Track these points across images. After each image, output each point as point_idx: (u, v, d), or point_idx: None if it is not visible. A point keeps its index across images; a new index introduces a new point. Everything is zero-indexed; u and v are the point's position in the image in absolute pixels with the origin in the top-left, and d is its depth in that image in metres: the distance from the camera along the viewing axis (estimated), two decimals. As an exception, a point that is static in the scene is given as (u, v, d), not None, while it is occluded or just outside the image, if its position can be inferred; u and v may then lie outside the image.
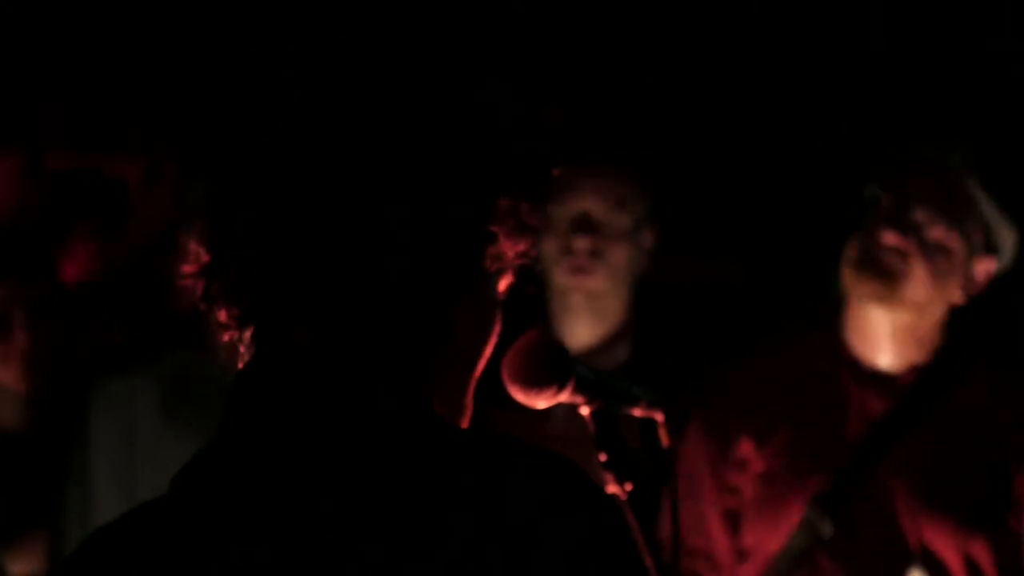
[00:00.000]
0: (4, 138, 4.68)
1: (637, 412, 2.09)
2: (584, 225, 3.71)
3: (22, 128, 4.74)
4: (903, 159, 3.51)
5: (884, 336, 3.48)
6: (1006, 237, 3.48)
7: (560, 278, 3.74)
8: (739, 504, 3.46)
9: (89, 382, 3.65)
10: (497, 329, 1.74)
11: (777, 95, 4.66)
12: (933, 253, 3.42)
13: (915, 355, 3.48)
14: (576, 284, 3.73)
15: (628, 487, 2.04)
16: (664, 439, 2.12)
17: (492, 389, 1.86)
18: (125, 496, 3.47)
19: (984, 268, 3.47)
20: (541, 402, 1.93)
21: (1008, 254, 3.49)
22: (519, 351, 1.91)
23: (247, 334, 1.67)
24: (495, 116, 1.67)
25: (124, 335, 3.95)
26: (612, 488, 2.04)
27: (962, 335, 3.55)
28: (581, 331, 3.77)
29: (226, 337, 1.69)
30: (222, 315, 1.68)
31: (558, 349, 1.94)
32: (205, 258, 1.66)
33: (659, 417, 2.10)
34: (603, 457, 2.04)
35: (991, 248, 3.47)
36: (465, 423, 1.73)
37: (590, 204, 3.72)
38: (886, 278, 3.40)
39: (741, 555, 3.45)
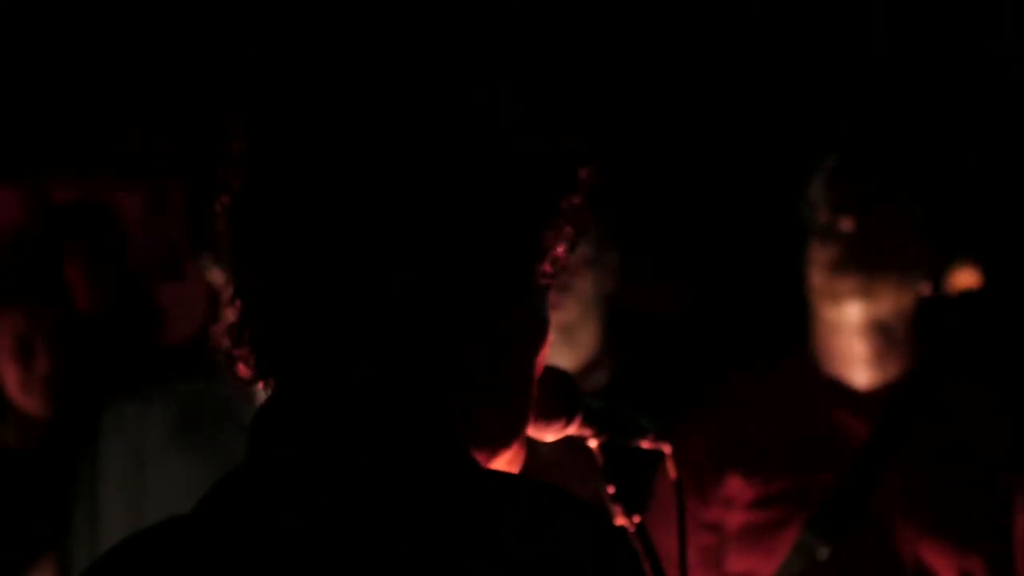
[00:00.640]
0: (8, 168, 4.69)
1: (645, 444, 2.08)
2: None
3: (26, 158, 4.74)
4: (834, 165, 3.48)
5: (857, 351, 3.44)
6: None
7: None
8: (717, 540, 3.43)
9: (99, 405, 3.66)
10: (546, 345, 1.75)
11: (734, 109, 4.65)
12: (895, 227, 3.40)
13: (892, 370, 3.45)
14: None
15: (636, 519, 2.04)
16: (672, 471, 2.11)
17: None
18: (133, 519, 3.46)
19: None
20: (549, 435, 1.93)
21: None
22: None
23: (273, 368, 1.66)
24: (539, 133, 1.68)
25: (133, 360, 3.95)
26: (620, 520, 2.04)
27: (939, 346, 3.51)
28: (557, 362, 3.74)
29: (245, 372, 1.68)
30: (246, 361, 1.67)
31: (566, 381, 1.93)
32: (238, 304, 1.66)
33: (667, 449, 2.10)
34: (611, 490, 2.03)
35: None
36: (521, 441, 1.74)
37: None
38: (864, 271, 3.38)
39: None
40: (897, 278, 3.40)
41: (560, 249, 1.71)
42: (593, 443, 2.03)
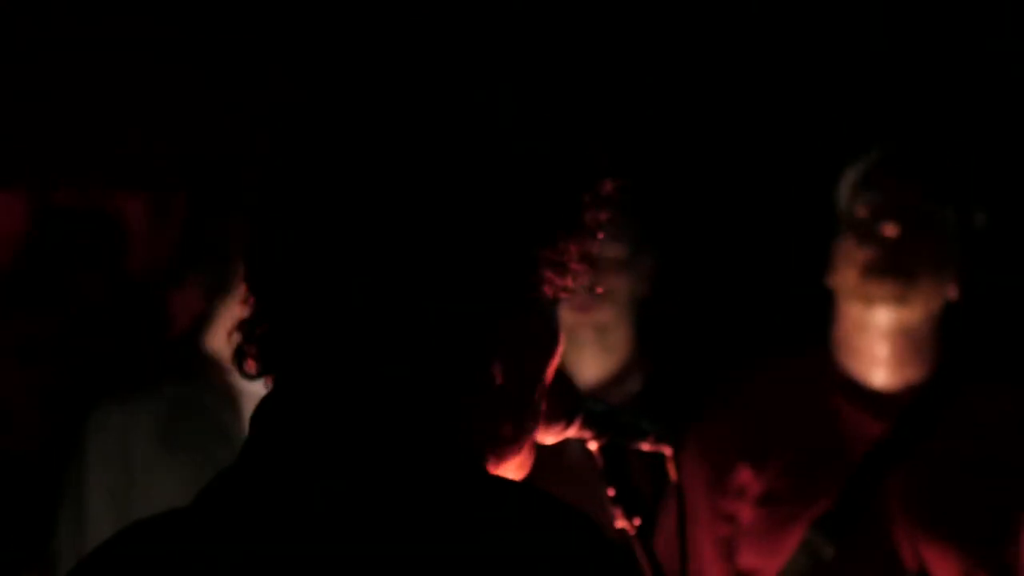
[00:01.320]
0: (10, 173, 4.69)
1: (646, 447, 2.08)
2: None
3: (28, 163, 4.74)
4: (873, 161, 3.48)
5: (880, 353, 3.44)
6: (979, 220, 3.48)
7: (565, 316, 3.72)
8: (733, 532, 3.43)
9: (87, 411, 3.66)
10: (557, 352, 1.75)
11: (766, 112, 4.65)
12: (931, 233, 3.39)
13: (912, 373, 3.45)
14: (581, 321, 3.72)
15: (637, 522, 2.04)
16: (672, 473, 2.12)
17: None
18: (120, 524, 3.46)
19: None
20: (549, 437, 1.93)
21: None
22: None
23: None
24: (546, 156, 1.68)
25: (123, 366, 3.96)
26: (620, 523, 2.04)
27: (960, 352, 3.51)
28: (591, 365, 3.77)
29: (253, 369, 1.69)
30: (253, 357, 1.68)
31: (567, 383, 1.93)
32: (251, 301, 1.67)
33: (667, 451, 2.10)
34: (611, 492, 2.04)
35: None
36: (529, 446, 1.74)
37: None
38: (902, 277, 3.37)
39: None
40: (931, 284, 3.39)
41: (581, 258, 1.71)
42: (593, 445, 2.03)
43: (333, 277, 1.61)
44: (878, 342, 3.43)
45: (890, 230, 3.36)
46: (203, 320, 3.58)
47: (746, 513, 3.42)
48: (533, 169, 1.66)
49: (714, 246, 4.58)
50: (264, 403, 1.66)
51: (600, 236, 1.73)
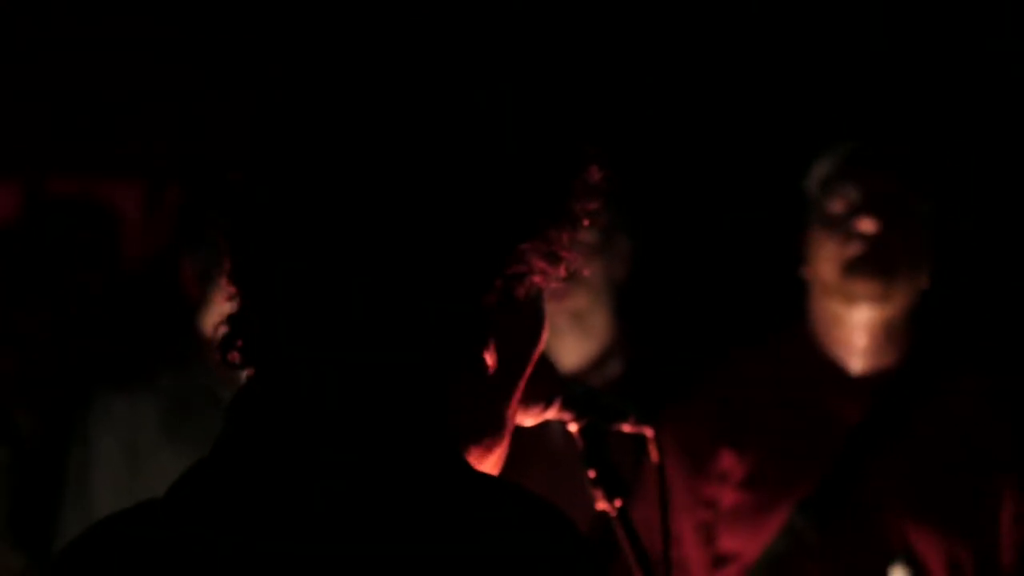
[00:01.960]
0: (3, 164, 4.69)
1: (626, 428, 2.08)
2: None
3: (23, 153, 4.75)
4: (845, 153, 3.45)
5: (859, 343, 3.44)
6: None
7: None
8: (713, 516, 3.43)
9: (89, 398, 3.66)
10: (543, 340, 1.75)
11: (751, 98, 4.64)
12: (909, 225, 3.38)
13: (888, 357, 3.45)
14: (557, 308, 3.71)
15: (618, 503, 2.03)
16: (654, 454, 2.11)
17: None
18: (124, 510, 3.47)
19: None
20: (528, 419, 1.92)
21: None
22: None
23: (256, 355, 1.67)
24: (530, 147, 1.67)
25: (123, 353, 3.96)
26: (601, 504, 2.04)
27: (934, 335, 3.52)
28: (570, 351, 3.75)
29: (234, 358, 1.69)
30: (237, 349, 1.67)
31: (545, 365, 1.93)
32: (238, 298, 1.66)
33: (648, 432, 2.09)
34: (592, 474, 2.03)
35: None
36: (509, 431, 1.74)
37: None
38: (884, 276, 3.36)
39: (718, 561, 3.42)
40: (909, 277, 3.39)
41: (571, 246, 1.70)
42: (573, 427, 2.03)
43: (317, 270, 1.60)
44: (857, 334, 3.44)
45: (869, 225, 3.34)
46: (198, 305, 3.58)
47: (728, 497, 3.42)
48: (521, 158, 1.66)
49: (690, 229, 4.56)
50: (240, 394, 1.66)
51: (587, 224, 1.72)
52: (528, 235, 1.65)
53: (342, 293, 1.60)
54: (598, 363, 3.75)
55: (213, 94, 4.42)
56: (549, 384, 1.93)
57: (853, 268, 3.34)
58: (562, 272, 1.71)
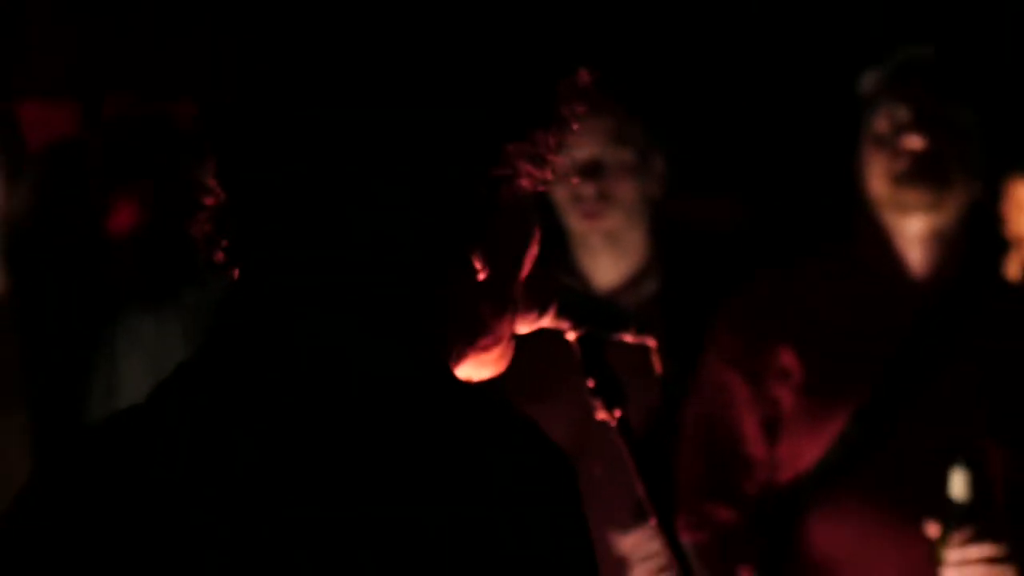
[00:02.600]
0: (63, 83, 4.71)
1: (628, 338, 2.05)
2: (587, 169, 3.66)
3: (82, 73, 4.76)
4: (890, 69, 3.47)
5: (913, 248, 3.47)
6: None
7: (575, 223, 3.72)
8: (777, 415, 3.45)
9: (114, 317, 3.69)
10: (535, 244, 1.74)
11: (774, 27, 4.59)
12: (956, 138, 3.43)
13: (943, 266, 3.47)
14: (591, 228, 3.70)
15: (617, 413, 2.01)
16: (657, 366, 2.08)
17: None
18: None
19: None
20: (523, 327, 1.90)
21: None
22: None
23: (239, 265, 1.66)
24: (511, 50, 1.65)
25: (144, 272, 3.97)
26: (601, 415, 2.01)
27: (988, 243, 3.58)
28: (605, 270, 3.75)
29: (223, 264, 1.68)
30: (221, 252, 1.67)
31: (540, 272, 1.90)
32: (221, 195, 1.66)
33: (651, 343, 2.06)
34: (591, 383, 2.01)
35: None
36: (506, 337, 1.73)
37: (589, 147, 3.68)
38: (935, 185, 3.40)
39: (778, 464, 3.44)
40: (959, 187, 3.43)
41: (558, 149, 1.68)
42: (571, 336, 2.00)
43: (300, 167, 1.60)
44: (911, 243, 3.47)
45: (916, 142, 3.40)
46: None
47: (788, 398, 3.44)
48: (506, 57, 1.63)
49: (729, 146, 4.53)
50: (228, 295, 1.65)
51: (576, 127, 1.69)
52: (514, 136, 1.63)
53: (325, 190, 1.59)
54: (633, 282, 3.73)
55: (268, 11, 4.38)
56: (544, 291, 1.91)
57: (903, 179, 3.40)
58: (548, 175, 1.68)
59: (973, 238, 3.50)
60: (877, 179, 3.45)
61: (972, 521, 3.19)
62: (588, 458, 3.13)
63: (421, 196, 1.60)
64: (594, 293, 3.63)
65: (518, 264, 1.72)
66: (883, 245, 3.48)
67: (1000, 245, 3.64)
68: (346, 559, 1.48)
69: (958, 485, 3.16)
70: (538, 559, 1.51)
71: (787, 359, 3.44)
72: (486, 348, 1.71)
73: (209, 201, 1.66)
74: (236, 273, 1.67)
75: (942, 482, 3.17)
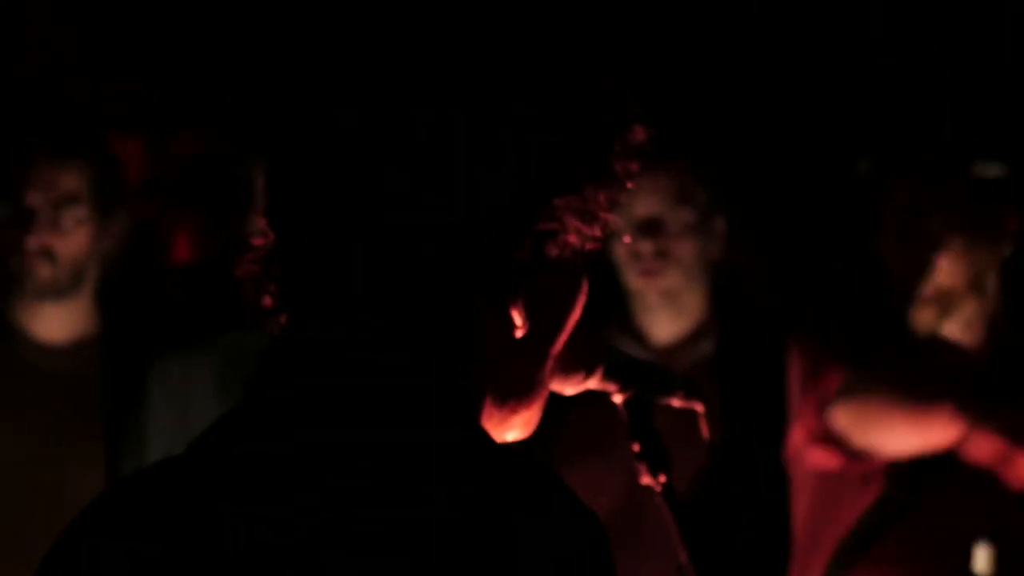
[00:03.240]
0: (130, 120, 4.73)
1: (675, 402, 2.02)
2: (647, 227, 3.66)
3: (148, 110, 4.79)
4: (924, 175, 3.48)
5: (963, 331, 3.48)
6: None
7: (633, 280, 3.71)
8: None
9: (148, 360, 3.68)
10: (580, 304, 1.69)
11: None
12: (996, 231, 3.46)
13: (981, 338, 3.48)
14: (648, 286, 3.69)
15: (662, 478, 1.98)
16: (704, 431, 2.05)
17: None
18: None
19: None
20: (569, 388, 1.88)
21: None
22: None
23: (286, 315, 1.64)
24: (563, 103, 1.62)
25: (177, 315, 3.98)
26: (646, 479, 1.98)
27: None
28: (661, 329, 3.74)
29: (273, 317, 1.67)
30: (269, 296, 1.65)
31: (588, 334, 1.87)
32: (270, 237, 1.64)
33: (699, 408, 2.04)
34: (636, 448, 1.98)
35: None
36: (541, 397, 1.70)
37: (651, 205, 3.67)
38: (976, 281, 3.45)
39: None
40: (997, 269, 3.46)
41: (609, 207, 1.65)
42: (618, 399, 1.98)
43: (352, 217, 1.57)
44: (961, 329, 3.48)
45: (962, 243, 3.45)
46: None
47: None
48: (561, 108, 1.61)
49: (786, 209, 4.52)
50: (273, 345, 1.63)
51: (629, 186, 1.67)
52: (563, 190, 1.60)
53: (375, 243, 1.56)
54: (690, 341, 3.73)
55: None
56: (591, 353, 1.88)
57: (950, 282, 3.43)
58: (597, 233, 1.65)
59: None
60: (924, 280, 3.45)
61: None
62: (637, 521, 3.11)
63: (468, 246, 1.57)
64: (644, 355, 3.61)
65: (560, 324, 1.68)
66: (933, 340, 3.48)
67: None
68: None
69: (982, 560, 3.12)
70: None
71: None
72: (514, 410, 1.67)
73: (258, 242, 1.65)
74: (283, 319, 1.65)
75: (967, 557, 3.14)
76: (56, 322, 3.72)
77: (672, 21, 4.61)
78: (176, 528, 1.53)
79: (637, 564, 3.41)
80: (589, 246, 1.66)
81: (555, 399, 1.94)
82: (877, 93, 4.53)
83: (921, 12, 4.55)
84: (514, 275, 1.59)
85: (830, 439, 3.35)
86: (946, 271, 3.41)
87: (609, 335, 3.65)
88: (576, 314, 1.70)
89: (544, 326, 1.65)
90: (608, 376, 1.92)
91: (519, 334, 1.62)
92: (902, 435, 3.30)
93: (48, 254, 3.66)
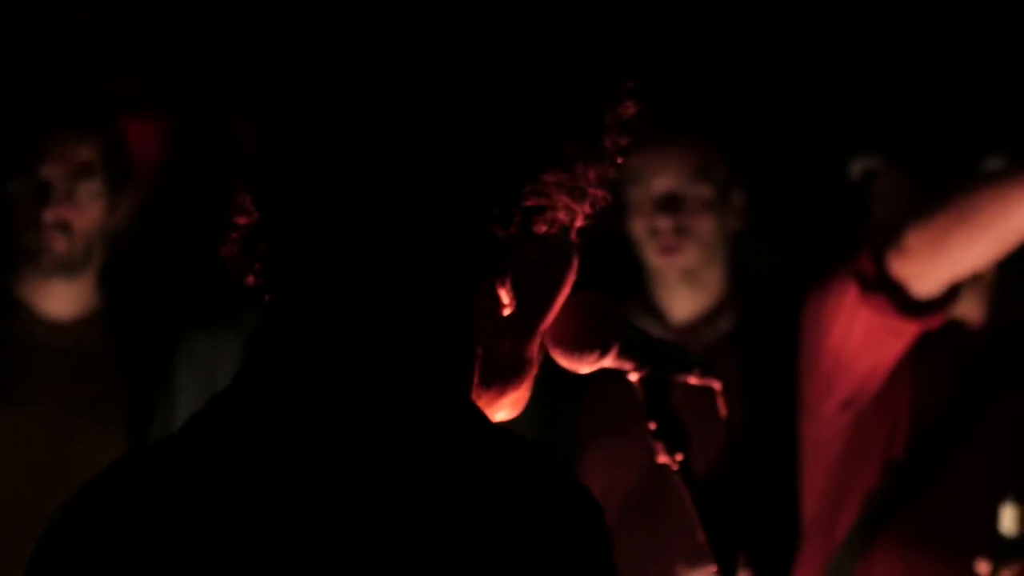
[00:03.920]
0: (143, 101, 4.72)
1: (692, 380, 2.00)
2: (666, 203, 3.64)
3: (162, 91, 4.77)
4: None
5: (974, 304, 3.48)
6: None
7: (652, 258, 3.69)
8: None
9: (174, 337, 3.68)
10: (569, 280, 1.68)
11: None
12: None
13: (990, 304, 3.47)
14: (667, 263, 3.67)
15: (679, 457, 1.96)
16: (722, 409, 2.03)
17: None
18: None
19: None
20: (584, 366, 1.86)
21: None
22: (561, 312, 1.83)
23: (275, 295, 1.63)
24: (551, 77, 1.60)
25: (204, 294, 3.97)
26: (663, 458, 1.96)
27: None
28: (680, 306, 3.72)
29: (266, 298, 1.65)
30: (252, 274, 1.63)
31: (603, 312, 1.85)
32: (255, 215, 1.62)
33: (716, 386, 2.01)
34: (653, 426, 1.96)
35: None
36: (531, 373, 1.67)
37: (669, 180, 3.65)
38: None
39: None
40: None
41: (599, 183, 1.63)
42: (634, 377, 1.95)
43: (338, 195, 1.56)
44: (972, 301, 3.46)
45: None
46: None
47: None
48: (549, 83, 1.59)
49: (803, 181, 4.49)
50: (262, 325, 1.62)
51: (619, 162, 1.64)
52: (552, 165, 1.58)
53: (362, 220, 1.55)
54: (709, 319, 3.71)
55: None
56: (606, 330, 1.86)
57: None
58: (587, 209, 1.63)
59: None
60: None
61: (1023, 557, 3.13)
62: (658, 498, 3.09)
63: (455, 221, 1.55)
64: (662, 333, 3.59)
65: (548, 302, 1.66)
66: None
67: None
68: None
69: (1008, 520, 3.11)
70: None
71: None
72: (502, 390, 1.66)
73: (242, 220, 1.62)
74: (268, 298, 1.63)
75: (993, 518, 3.12)
76: (63, 299, 3.71)
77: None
78: (164, 509, 1.52)
79: (659, 541, 3.39)
80: (579, 222, 1.63)
81: (574, 377, 1.93)
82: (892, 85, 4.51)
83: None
84: (502, 251, 1.57)
85: (885, 285, 3.29)
86: None
87: (626, 312, 3.63)
88: (565, 292, 1.68)
89: (532, 304, 1.64)
90: (624, 354, 1.90)
91: (507, 311, 1.60)
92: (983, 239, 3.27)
93: (65, 227, 3.65)
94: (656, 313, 3.72)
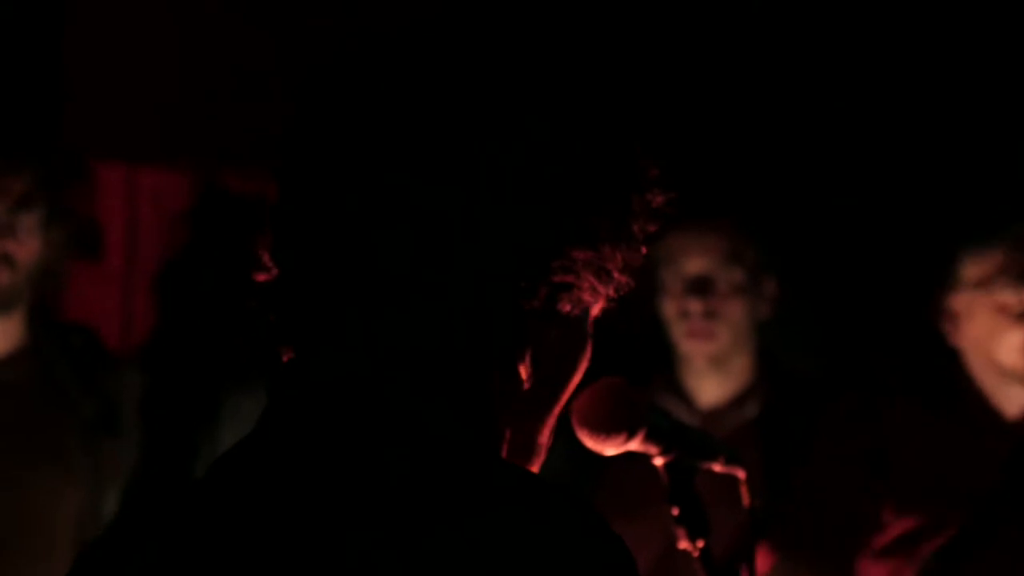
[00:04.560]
0: (175, 154, 4.75)
1: (717, 468, 2.01)
2: (696, 286, 3.64)
3: (195, 144, 4.80)
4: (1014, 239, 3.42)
5: (1013, 399, 3.44)
6: None
7: (681, 341, 3.69)
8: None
9: (217, 397, 3.69)
10: (584, 364, 1.67)
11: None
12: None
13: None
14: (696, 348, 3.67)
15: (700, 543, 1.96)
16: (746, 498, 2.03)
17: None
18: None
19: None
20: (609, 449, 1.86)
21: None
22: (590, 395, 1.84)
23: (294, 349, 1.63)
24: (577, 158, 1.60)
25: (247, 352, 3.97)
26: (683, 544, 1.96)
27: None
28: (708, 391, 3.72)
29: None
30: (271, 330, 1.64)
31: (630, 396, 1.86)
32: (274, 272, 1.62)
33: (740, 474, 2.02)
34: (675, 511, 1.96)
35: None
36: (540, 456, 1.67)
37: (701, 263, 3.65)
38: None
39: None
40: None
41: (624, 268, 1.63)
42: (659, 461, 1.95)
43: (359, 257, 1.56)
44: (1012, 400, 3.43)
45: None
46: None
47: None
48: (581, 164, 1.59)
49: (835, 269, 4.49)
50: (278, 379, 1.62)
51: (645, 250, 1.64)
52: (581, 243, 1.58)
53: (380, 280, 1.55)
54: (735, 404, 3.69)
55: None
56: (634, 414, 1.86)
57: None
58: (611, 293, 1.63)
59: None
60: (1012, 352, 3.39)
61: None
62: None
63: (482, 287, 1.55)
64: (689, 417, 3.58)
65: (565, 382, 1.66)
66: (984, 401, 3.44)
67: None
68: None
69: None
70: None
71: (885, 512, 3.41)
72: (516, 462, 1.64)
73: (261, 277, 1.63)
74: (287, 354, 1.63)
75: None
76: None
77: (722, 81, 4.60)
78: (191, 553, 1.53)
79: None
80: (600, 307, 1.63)
81: (595, 456, 1.93)
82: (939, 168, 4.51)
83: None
84: (525, 325, 1.57)
85: None
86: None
87: (653, 396, 3.62)
88: (579, 376, 1.67)
89: (548, 384, 1.63)
90: (650, 439, 1.90)
91: (523, 388, 1.60)
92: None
93: (8, 260, 3.58)
94: (683, 396, 3.71)
